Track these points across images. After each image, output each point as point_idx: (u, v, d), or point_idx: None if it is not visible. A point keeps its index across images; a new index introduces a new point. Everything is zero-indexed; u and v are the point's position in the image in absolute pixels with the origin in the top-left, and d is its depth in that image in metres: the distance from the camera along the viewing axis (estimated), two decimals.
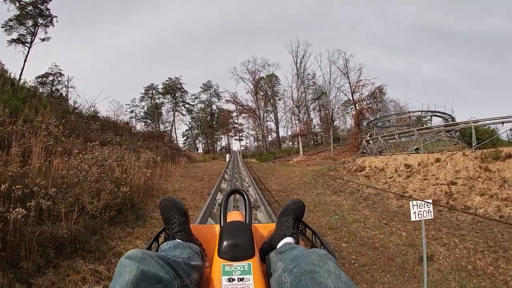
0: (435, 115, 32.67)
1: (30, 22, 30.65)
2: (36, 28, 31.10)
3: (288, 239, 0.91)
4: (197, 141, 48.25)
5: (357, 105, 34.66)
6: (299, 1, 63.13)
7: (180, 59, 62.01)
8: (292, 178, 14.33)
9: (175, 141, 40.78)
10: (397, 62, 61.48)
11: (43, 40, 30.70)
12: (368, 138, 16.34)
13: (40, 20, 31.23)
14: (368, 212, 7.73)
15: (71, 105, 19.84)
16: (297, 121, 40.29)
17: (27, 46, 30.39)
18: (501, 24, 55.97)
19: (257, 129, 46.17)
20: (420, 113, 32.71)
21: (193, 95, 46.83)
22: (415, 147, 13.00)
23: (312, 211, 7.66)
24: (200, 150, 45.67)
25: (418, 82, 57.59)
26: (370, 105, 31.72)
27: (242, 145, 47.52)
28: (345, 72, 34.39)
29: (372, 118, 33.13)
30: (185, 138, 48.62)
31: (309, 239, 1.03)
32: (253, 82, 42.33)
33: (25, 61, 29.47)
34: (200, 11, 73.40)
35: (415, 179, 9.56)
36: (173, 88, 45.41)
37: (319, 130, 48.37)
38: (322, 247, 0.88)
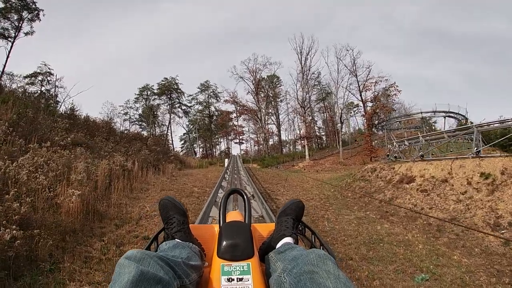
0: (448, 116, 30.33)
1: (15, 16, 27.78)
2: (21, 22, 28.23)
3: (288, 239, 0.89)
4: (195, 145, 45.45)
5: (367, 104, 31.76)
6: (300, 3, 60.89)
7: (177, 59, 59.50)
8: (309, 191, 11.11)
9: (171, 145, 37.84)
10: (398, 63, 59.09)
11: (26, 34, 27.86)
12: (402, 139, 13.20)
13: (26, 14, 28.36)
14: (462, 257, 4.54)
15: (38, 99, 16.83)
16: (301, 123, 37.27)
17: (10, 41, 27.54)
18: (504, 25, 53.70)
19: (257, 132, 43.21)
20: (433, 113, 30.34)
21: (190, 95, 44.08)
22: (475, 149, 9.91)
23: (367, 258, 4.40)
24: (199, 155, 43.01)
25: (421, 83, 55.24)
26: (385, 104, 28.75)
27: (242, 149, 44.77)
28: (352, 70, 31.49)
29: (386, 119, 30.54)
30: (183, 142, 45.95)
31: (309, 239, 1.00)
32: (253, 82, 39.32)
33: (7, 56, 26.52)
34: (199, 10, 71.20)
35: (505, 195, 6.37)
36: (169, 89, 42.75)
37: (323, 133, 45.61)
38: (321, 247, 0.87)
